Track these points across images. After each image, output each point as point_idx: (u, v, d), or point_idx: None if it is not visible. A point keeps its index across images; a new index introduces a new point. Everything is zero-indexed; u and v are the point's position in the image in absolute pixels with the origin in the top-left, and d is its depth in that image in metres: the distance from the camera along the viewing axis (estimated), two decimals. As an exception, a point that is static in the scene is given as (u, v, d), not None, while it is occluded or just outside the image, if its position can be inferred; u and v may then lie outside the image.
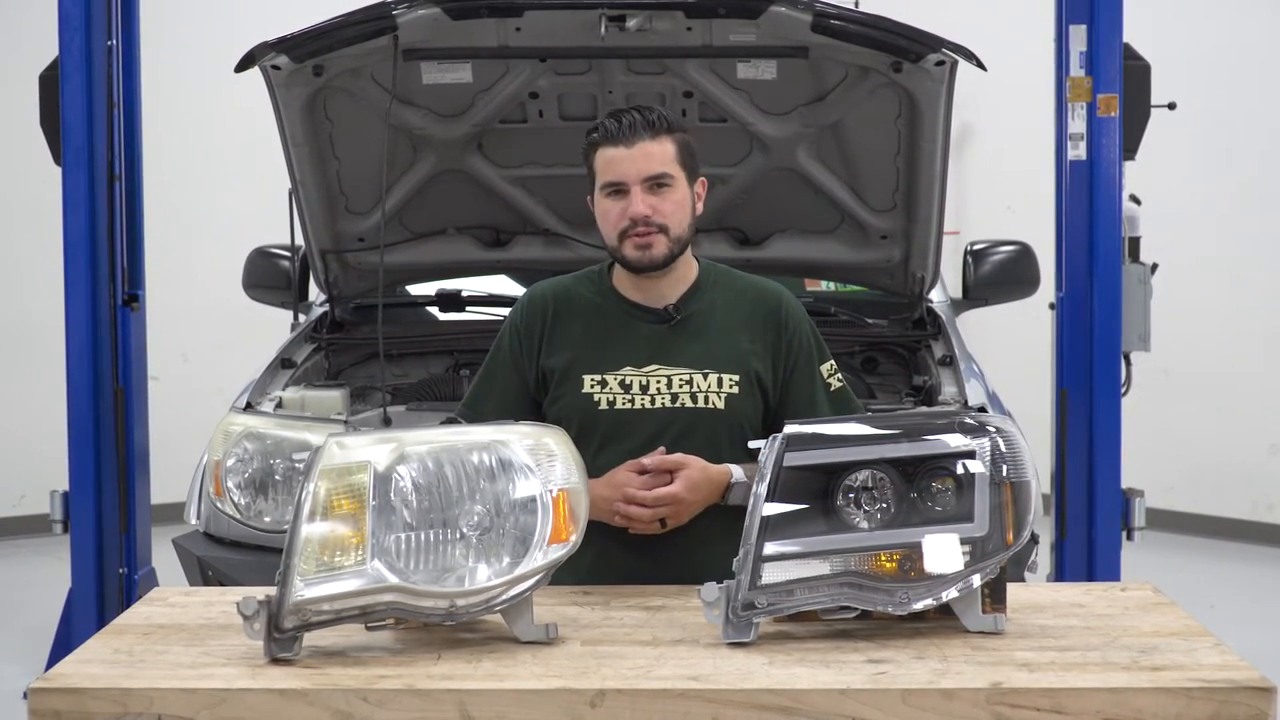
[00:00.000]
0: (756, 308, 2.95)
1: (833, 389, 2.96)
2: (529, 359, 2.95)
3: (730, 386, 2.88)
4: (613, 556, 2.83)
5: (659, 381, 2.87)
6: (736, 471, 2.82)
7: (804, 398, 2.92)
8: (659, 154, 2.83)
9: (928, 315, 4.72)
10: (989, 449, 2.38)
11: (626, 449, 2.83)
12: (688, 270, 2.95)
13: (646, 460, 2.79)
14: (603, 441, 2.85)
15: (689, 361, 2.89)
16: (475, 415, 2.89)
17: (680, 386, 2.87)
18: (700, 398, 2.87)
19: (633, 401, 2.87)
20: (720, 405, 2.87)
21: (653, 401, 2.87)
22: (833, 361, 3.00)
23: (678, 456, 2.79)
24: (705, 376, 2.88)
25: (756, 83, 4.30)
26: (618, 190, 2.84)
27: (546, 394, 2.94)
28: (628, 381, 2.88)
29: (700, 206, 2.93)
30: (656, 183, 2.83)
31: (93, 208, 4.80)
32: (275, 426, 4.14)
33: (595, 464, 2.79)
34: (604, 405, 2.87)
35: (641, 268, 2.87)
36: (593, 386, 2.89)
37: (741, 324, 2.93)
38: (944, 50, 3.99)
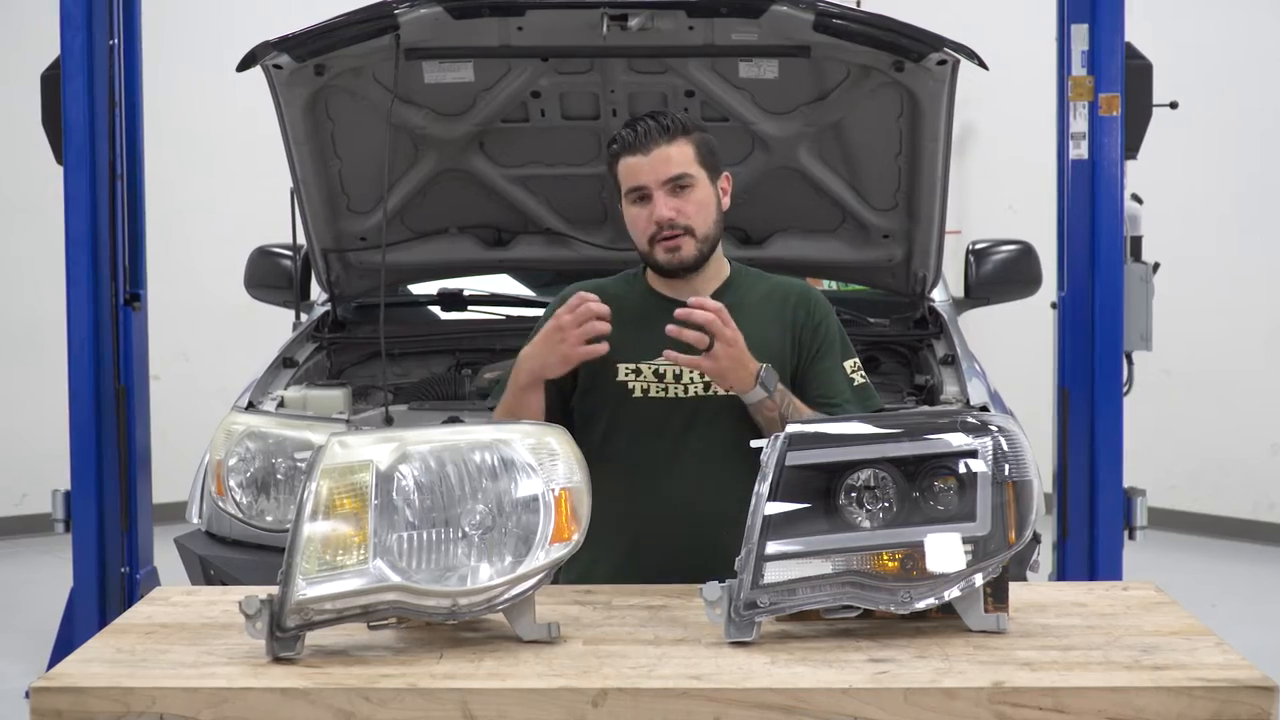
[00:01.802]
0: (786, 299, 3.01)
1: (855, 384, 3.00)
2: None
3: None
4: (644, 558, 2.84)
5: (691, 370, 2.89)
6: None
7: (824, 381, 2.95)
8: (677, 156, 2.88)
9: (929, 314, 4.72)
10: (991, 448, 2.37)
11: (659, 437, 2.87)
12: (720, 269, 3.02)
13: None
14: (636, 428, 2.89)
15: None
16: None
17: None
18: None
19: (666, 390, 2.90)
20: None
21: (685, 390, 2.90)
22: (858, 360, 3.04)
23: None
24: None
25: (758, 82, 4.30)
26: (641, 196, 2.89)
27: (576, 386, 2.96)
28: (661, 370, 2.91)
29: (727, 201, 3.00)
30: (677, 184, 2.88)
31: (94, 207, 4.81)
32: (277, 425, 4.14)
33: (629, 452, 2.86)
34: (638, 393, 2.91)
35: (672, 270, 2.93)
36: (627, 375, 2.92)
37: (771, 316, 2.98)
38: (946, 49, 3.99)
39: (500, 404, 2.89)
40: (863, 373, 3.03)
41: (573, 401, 2.97)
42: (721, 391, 2.88)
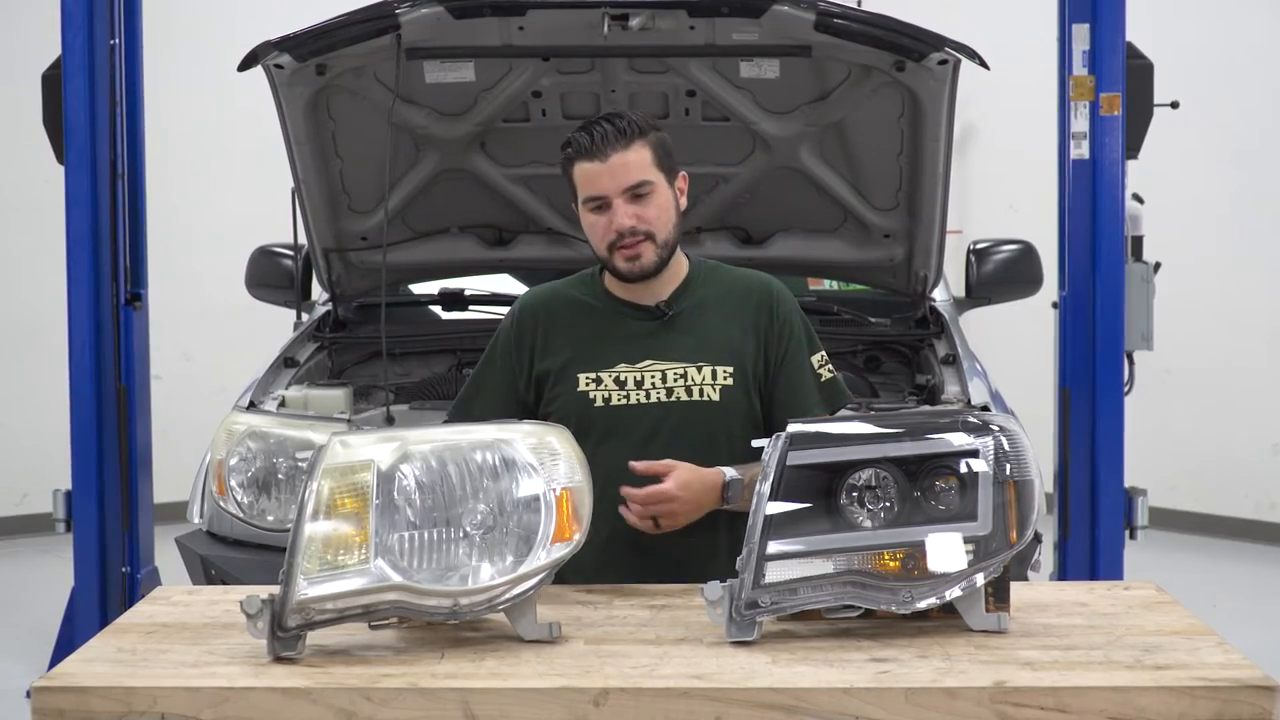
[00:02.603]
0: (747, 298, 2.97)
1: (823, 379, 2.97)
2: (521, 365, 2.97)
3: (725, 378, 2.89)
4: (615, 557, 2.83)
5: (653, 376, 2.89)
6: (729, 471, 2.81)
7: (792, 386, 2.93)
8: (635, 162, 2.83)
9: (930, 314, 4.72)
10: (992, 448, 2.37)
11: (623, 445, 2.85)
12: (678, 268, 2.98)
13: (635, 465, 2.78)
14: (600, 438, 2.86)
15: (682, 355, 2.91)
16: (463, 417, 2.91)
17: (675, 380, 2.89)
18: (695, 390, 2.88)
19: (628, 397, 2.89)
20: (715, 397, 2.88)
21: (647, 396, 2.88)
22: (824, 353, 3.00)
23: (666, 461, 2.78)
24: (699, 369, 2.90)
25: (759, 81, 4.30)
26: (600, 205, 2.85)
27: (541, 397, 2.96)
28: (622, 378, 2.89)
29: (684, 201, 2.95)
30: (636, 192, 2.84)
31: (95, 206, 4.80)
32: (278, 425, 4.15)
33: (593, 461, 2.79)
34: (599, 402, 2.90)
35: (633, 278, 2.90)
36: (588, 384, 2.90)
37: (733, 315, 2.95)
38: (947, 49, 3.99)
39: None
40: (829, 366, 3.00)
41: (539, 412, 2.95)
42: (685, 398, 2.88)
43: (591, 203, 2.86)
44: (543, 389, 2.96)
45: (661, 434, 2.86)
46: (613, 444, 2.85)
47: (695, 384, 2.89)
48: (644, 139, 2.85)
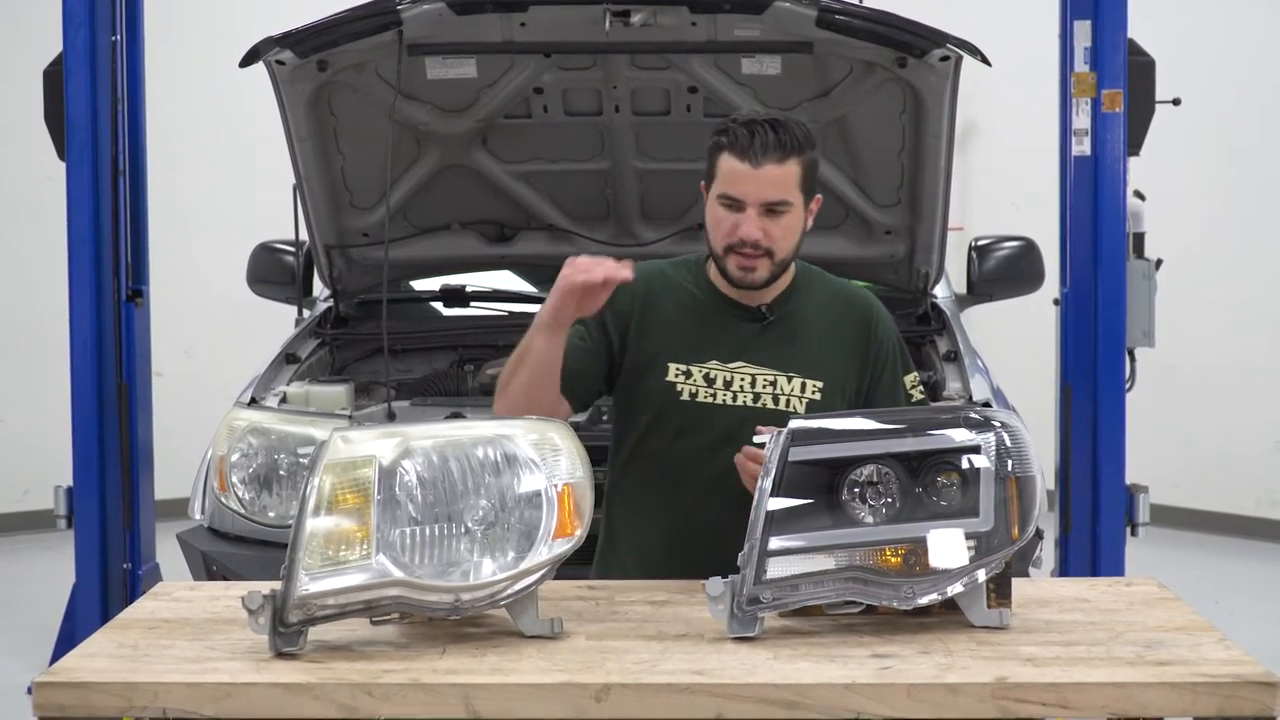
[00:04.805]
0: (848, 313, 2.94)
1: (914, 400, 2.97)
2: (616, 330, 2.87)
3: (813, 393, 2.86)
4: (685, 550, 2.83)
5: (743, 379, 2.85)
6: None
7: (887, 405, 2.90)
8: (782, 180, 2.75)
9: (932, 311, 4.73)
10: (994, 444, 2.37)
11: (701, 442, 2.82)
12: (785, 274, 2.90)
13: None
14: (678, 432, 2.84)
15: (776, 363, 2.86)
16: None
17: (764, 387, 2.85)
18: (782, 400, 2.85)
19: (714, 396, 2.84)
20: (801, 409, 2.84)
21: (734, 398, 2.84)
22: (917, 373, 3.01)
23: None
24: (790, 380, 2.86)
25: (761, 78, 4.30)
26: (734, 204, 2.78)
27: (622, 369, 2.89)
28: (712, 375, 2.85)
29: (810, 222, 2.86)
30: (773, 208, 2.77)
31: (97, 203, 4.81)
32: (280, 421, 4.15)
33: (670, 454, 2.82)
34: (685, 395, 2.85)
35: (742, 286, 2.85)
36: (676, 375, 2.85)
37: (833, 329, 2.91)
38: (949, 46, 3.99)
39: (510, 358, 2.78)
40: (920, 388, 2.99)
41: (618, 394, 2.90)
42: (770, 405, 2.83)
43: (726, 200, 2.78)
44: (625, 363, 2.88)
45: (739, 438, 2.73)
46: (689, 440, 2.83)
47: (783, 393, 2.85)
48: (799, 157, 2.77)
